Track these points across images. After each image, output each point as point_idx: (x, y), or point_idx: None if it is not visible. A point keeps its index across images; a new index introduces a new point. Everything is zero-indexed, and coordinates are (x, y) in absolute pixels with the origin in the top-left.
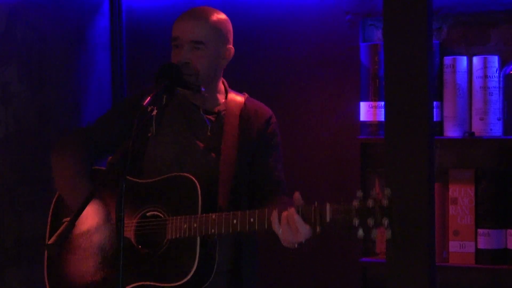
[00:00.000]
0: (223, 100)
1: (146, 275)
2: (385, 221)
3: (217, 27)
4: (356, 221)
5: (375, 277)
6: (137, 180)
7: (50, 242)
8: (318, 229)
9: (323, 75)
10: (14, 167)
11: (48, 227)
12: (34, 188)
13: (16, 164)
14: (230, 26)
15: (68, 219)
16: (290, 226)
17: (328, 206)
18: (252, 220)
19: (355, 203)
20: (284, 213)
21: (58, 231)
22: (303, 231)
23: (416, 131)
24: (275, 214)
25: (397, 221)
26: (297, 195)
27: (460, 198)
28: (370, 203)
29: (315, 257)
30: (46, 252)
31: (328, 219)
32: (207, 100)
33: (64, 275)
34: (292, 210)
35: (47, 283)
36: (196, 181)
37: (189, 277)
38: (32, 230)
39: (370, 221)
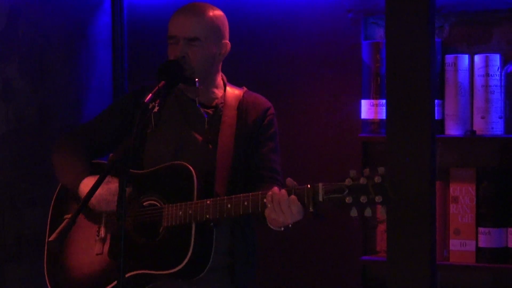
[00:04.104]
0: (221, 94)
1: (143, 263)
2: (379, 198)
3: (213, 23)
4: (349, 199)
5: (376, 276)
6: (134, 171)
7: (51, 239)
8: (311, 209)
9: (324, 73)
10: (15, 164)
11: (49, 223)
12: (34, 185)
13: (16, 161)
14: (226, 22)
15: (68, 216)
16: (282, 206)
17: (320, 186)
18: (246, 203)
19: (348, 181)
20: (277, 194)
21: (59, 228)
22: (295, 210)
23: (418, 130)
24: (268, 196)
25: (392, 197)
26: (289, 179)
27: (461, 197)
28: (362, 180)
29: (315, 255)
30: (46, 248)
31: (321, 199)
32: (205, 94)
33: (63, 270)
34: (283, 191)
35: (47, 278)
36: (191, 168)
37: (183, 264)
38: (33, 227)
39: (363, 199)
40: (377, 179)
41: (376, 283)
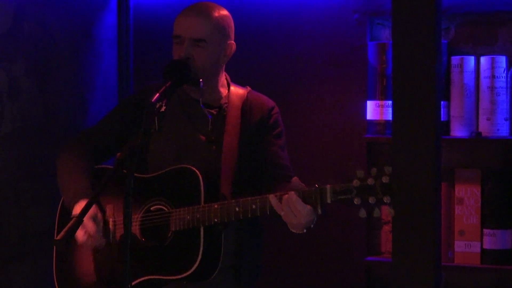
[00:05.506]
0: (225, 94)
1: (152, 269)
2: (387, 199)
3: (218, 23)
4: (357, 201)
5: (380, 277)
6: (140, 175)
7: (58, 238)
8: (319, 211)
9: (330, 74)
10: (20, 163)
11: (57, 223)
12: (39, 184)
13: (21, 160)
14: (231, 22)
15: (76, 215)
16: (291, 208)
17: (328, 188)
18: (254, 206)
19: (356, 182)
20: (285, 196)
21: (66, 227)
22: (304, 212)
23: (423, 131)
24: (275, 199)
25: (400, 197)
26: (295, 178)
27: (466, 198)
28: (370, 181)
29: (320, 255)
30: (54, 248)
31: (329, 200)
32: (209, 94)
33: (72, 271)
34: (291, 192)
35: (55, 279)
36: (197, 172)
37: (193, 268)
38: (37, 226)
39: (372, 199)
40: (384, 179)
41: (381, 284)
